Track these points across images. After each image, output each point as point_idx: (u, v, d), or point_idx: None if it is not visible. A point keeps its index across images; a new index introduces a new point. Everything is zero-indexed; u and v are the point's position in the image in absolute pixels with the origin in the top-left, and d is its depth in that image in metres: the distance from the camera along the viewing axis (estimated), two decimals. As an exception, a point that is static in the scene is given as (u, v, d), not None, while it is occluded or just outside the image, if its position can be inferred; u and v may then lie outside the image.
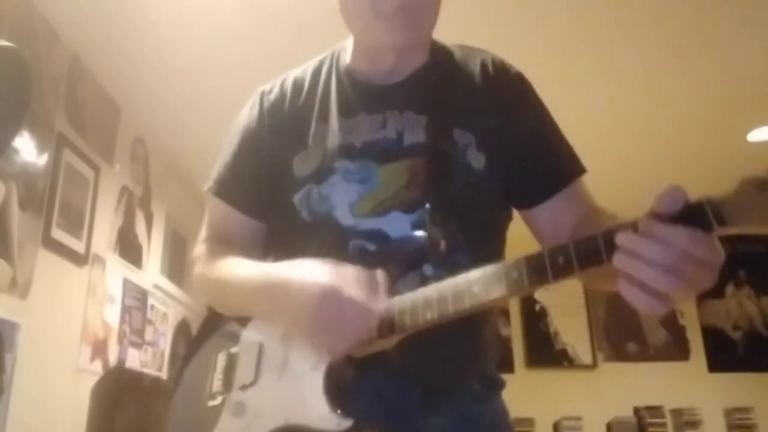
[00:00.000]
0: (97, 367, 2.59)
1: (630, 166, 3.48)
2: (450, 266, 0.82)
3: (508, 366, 4.11)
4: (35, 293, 2.15)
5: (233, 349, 0.96)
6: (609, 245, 0.67)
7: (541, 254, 0.72)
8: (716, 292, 4.61)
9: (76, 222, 2.48)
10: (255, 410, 0.89)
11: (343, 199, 0.94)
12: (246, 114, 1.09)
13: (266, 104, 1.07)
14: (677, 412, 4.13)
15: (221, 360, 0.97)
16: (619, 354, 4.46)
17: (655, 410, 4.13)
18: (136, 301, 3.03)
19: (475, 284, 0.76)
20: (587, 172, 1.01)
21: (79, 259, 2.50)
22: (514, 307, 4.53)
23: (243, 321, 0.98)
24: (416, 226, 0.91)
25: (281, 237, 1.02)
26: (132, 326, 2.96)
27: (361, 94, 1.02)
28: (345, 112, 1.01)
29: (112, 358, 2.74)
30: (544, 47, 2.62)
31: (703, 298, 4.58)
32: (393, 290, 0.85)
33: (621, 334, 4.51)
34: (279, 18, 2.37)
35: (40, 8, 2.25)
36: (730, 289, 4.63)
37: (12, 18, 2.10)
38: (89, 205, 2.59)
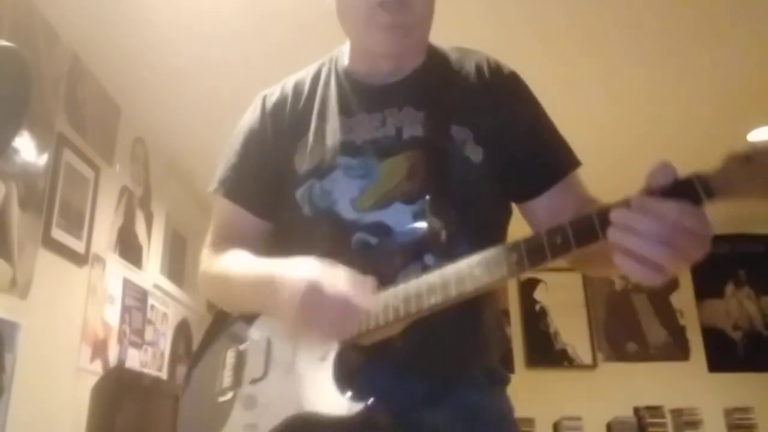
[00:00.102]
0: (97, 367, 2.59)
1: (630, 166, 3.45)
2: (451, 257, 0.83)
3: (508, 366, 4.09)
4: (35, 293, 2.15)
5: (241, 347, 0.99)
6: (604, 223, 0.69)
7: (539, 235, 0.75)
8: (716, 292, 4.61)
9: (76, 222, 2.48)
10: (266, 402, 0.91)
11: (344, 194, 0.96)
12: (248, 117, 1.12)
13: (268, 106, 1.09)
14: (677, 412, 4.13)
15: (230, 357, 0.99)
16: (619, 354, 4.46)
17: (655, 410, 4.13)
18: (136, 301, 3.03)
19: (476, 267, 0.78)
20: (582, 165, 1.03)
21: (79, 259, 2.50)
22: (514, 307, 4.53)
23: (249, 320, 1.00)
24: (417, 216, 0.93)
25: (285, 232, 1.04)
26: (132, 326, 2.96)
27: (361, 94, 1.05)
28: (345, 111, 1.04)
29: (112, 358, 2.74)
30: (544, 48, 2.62)
31: (703, 298, 4.58)
32: (395, 282, 0.86)
33: (621, 334, 4.51)
34: (279, 18, 2.37)
35: (40, 8, 2.25)
36: (730, 289, 4.63)
37: (12, 18, 2.10)
38: (89, 205, 2.59)
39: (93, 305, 2.58)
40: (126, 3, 2.31)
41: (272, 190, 1.04)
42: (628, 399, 4.18)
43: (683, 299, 4.59)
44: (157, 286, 3.30)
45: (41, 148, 2.25)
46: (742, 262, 4.65)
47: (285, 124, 1.06)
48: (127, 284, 2.94)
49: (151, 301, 3.21)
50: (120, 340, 2.83)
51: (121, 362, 2.82)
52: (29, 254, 2.15)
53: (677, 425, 4.12)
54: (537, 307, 4.54)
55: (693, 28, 2.53)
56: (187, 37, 2.50)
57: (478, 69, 1.06)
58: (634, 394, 4.20)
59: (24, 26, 2.17)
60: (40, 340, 2.18)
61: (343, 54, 1.11)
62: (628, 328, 4.53)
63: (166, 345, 3.41)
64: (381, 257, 0.90)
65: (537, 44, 2.58)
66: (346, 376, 0.86)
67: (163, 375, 3.34)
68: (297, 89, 1.09)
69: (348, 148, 1.00)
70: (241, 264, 1.00)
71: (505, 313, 4.38)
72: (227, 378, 0.98)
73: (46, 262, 2.25)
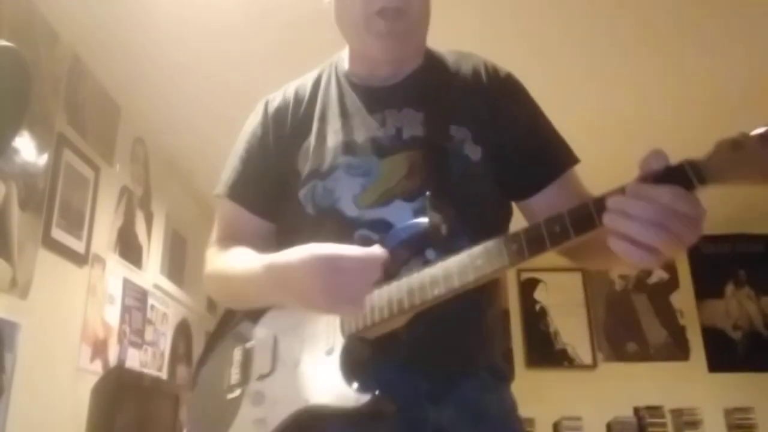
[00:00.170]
0: (97, 367, 2.59)
1: (629, 168, 3.47)
2: (452, 251, 0.85)
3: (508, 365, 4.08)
4: (35, 293, 2.15)
5: (248, 345, 1.01)
6: (600, 211, 0.71)
7: (538, 225, 0.77)
8: (716, 292, 4.61)
9: (76, 222, 2.48)
10: (274, 398, 0.92)
11: (347, 192, 0.98)
12: (251, 121, 1.15)
13: (270, 110, 1.12)
14: (677, 412, 4.13)
15: (237, 355, 1.01)
16: (619, 354, 4.46)
17: (655, 410, 4.13)
18: (136, 301, 3.03)
19: (478, 258, 0.81)
20: (580, 162, 1.05)
21: (79, 259, 2.50)
22: (514, 307, 4.54)
23: (255, 319, 1.02)
24: (418, 213, 0.94)
25: (288, 232, 1.06)
26: (132, 326, 2.96)
27: (361, 96, 1.07)
28: (346, 112, 1.06)
29: (112, 358, 2.74)
30: (535, 49, 2.62)
31: (703, 298, 4.58)
32: (397, 277, 0.88)
33: (621, 334, 4.51)
34: (280, 18, 2.37)
35: (40, 8, 2.25)
36: (730, 289, 4.63)
37: (12, 18, 2.10)
38: (89, 205, 2.59)
39: (93, 305, 2.58)
40: (126, 3, 2.31)
41: (276, 192, 1.06)
42: (628, 399, 4.18)
43: (683, 299, 4.59)
44: (157, 286, 3.30)
45: (41, 148, 2.25)
46: (742, 262, 4.66)
47: (287, 127, 1.09)
48: (127, 284, 2.94)
49: (151, 301, 3.21)
50: (120, 340, 2.83)
51: (121, 362, 2.82)
52: (29, 254, 2.15)
53: (677, 425, 4.12)
54: (537, 307, 4.55)
55: (694, 29, 2.53)
56: (188, 36, 2.50)
57: (476, 71, 1.08)
58: (634, 394, 4.20)
59: (24, 26, 2.17)
60: (40, 340, 2.18)
61: (343, 59, 1.14)
62: (628, 328, 4.53)
63: (166, 345, 3.41)
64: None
65: (528, 46, 2.59)
66: (353, 369, 0.87)
67: (163, 375, 3.34)
68: (298, 94, 1.12)
69: (349, 147, 1.02)
70: (245, 260, 1.01)
71: (505, 313, 4.38)
72: (235, 375, 0.99)
73: (46, 262, 2.25)
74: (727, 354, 4.46)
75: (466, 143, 1.00)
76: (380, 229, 0.94)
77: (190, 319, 3.81)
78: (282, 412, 0.90)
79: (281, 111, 1.11)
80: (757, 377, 4.27)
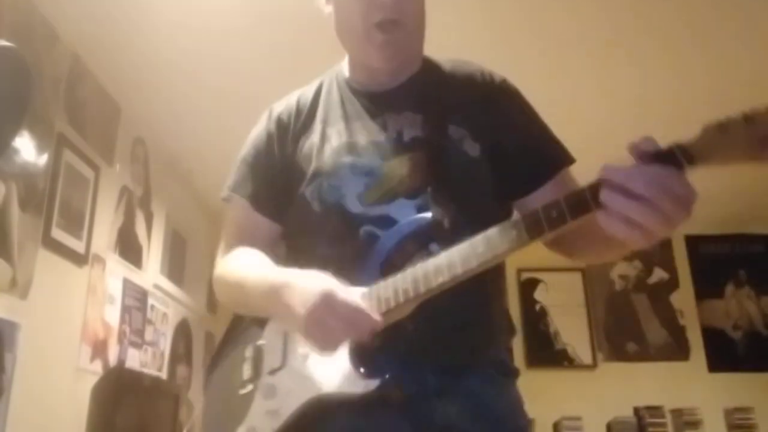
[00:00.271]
0: (97, 367, 2.59)
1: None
2: (455, 245, 0.88)
3: (508, 366, 4.08)
4: (35, 293, 2.15)
5: (259, 342, 1.05)
6: (595, 195, 0.75)
7: (536, 211, 0.81)
8: (716, 292, 4.61)
9: (76, 222, 2.48)
10: (286, 390, 0.96)
11: (351, 190, 1.02)
12: (256, 129, 1.20)
13: (274, 117, 1.17)
14: (677, 412, 4.13)
15: (248, 352, 1.06)
16: (619, 354, 4.46)
17: (655, 410, 4.13)
18: (136, 301, 3.03)
19: (479, 245, 0.84)
20: (577, 163, 1.08)
21: (79, 259, 2.50)
22: (514, 307, 4.53)
23: (264, 320, 1.06)
24: (421, 209, 0.98)
25: (296, 230, 1.10)
26: (132, 326, 2.96)
27: (362, 101, 1.12)
28: (348, 116, 1.11)
29: (112, 358, 2.74)
30: (538, 49, 2.62)
31: (703, 298, 4.58)
32: (403, 270, 0.92)
33: (621, 334, 4.51)
34: (280, 18, 2.37)
35: (40, 8, 2.25)
36: (730, 289, 4.62)
37: (12, 18, 2.10)
38: (89, 205, 2.59)
39: (93, 305, 2.58)
40: (126, 3, 2.31)
41: (283, 194, 1.10)
42: (628, 399, 4.17)
43: (683, 299, 4.59)
44: (157, 286, 3.30)
45: (41, 148, 2.25)
46: (742, 262, 4.65)
47: (291, 132, 1.13)
48: (127, 284, 2.94)
49: (151, 301, 3.21)
50: (120, 340, 2.83)
51: (121, 362, 2.82)
52: (29, 254, 2.15)
53: (677, 425, 4.12)
54: (537, 307, 4.54)
55: (693, 29, 2.53)
56: (188, 36, 2.50)
57: (472, 75, 1.13)
58: (634, 394, 4.20)
59: (24, 26, 2.17)
60: (40, 340, 2.18)
61: (343, 68, 1.19)
62: (628, 328, 4.53)
63: (166, 345, 3.41)
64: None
65: (532, 46, 2.59)
66: (362, 358, 0.90)
67: (163, 375, 3.34)
68: (300, 101, 1.17)
69: (353, 148, 1.06)
70: (255, 270, 1.04)
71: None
72: (246, 371, 1.04)
73: (46, 262, 2.25)
74: (727, 354, 4.46)
75: (465, 141, 1.04)
76: (384, 225, 0.97)
77: (190, 319, 3.81)
78: (294, 403, 0.93)
79: (285, 117, 1.15)
80: (757, 377, 4.27)
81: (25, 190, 2.13)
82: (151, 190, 3.29)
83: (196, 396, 3.77)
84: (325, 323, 0.86)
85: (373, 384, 0.87)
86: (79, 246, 2.49)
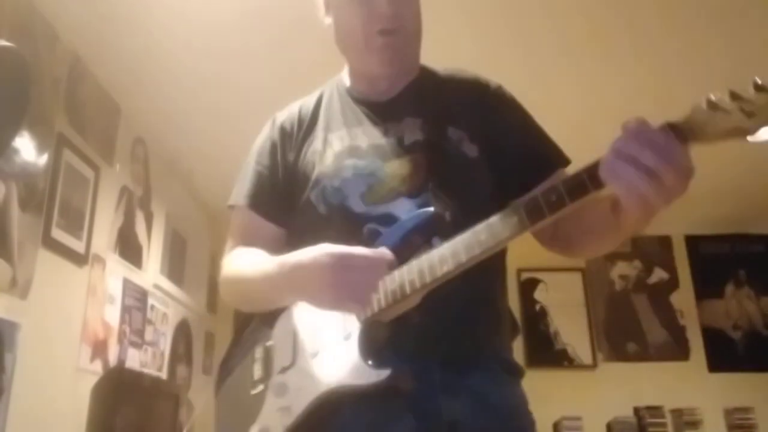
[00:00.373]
0: (97, 367, 2.59)
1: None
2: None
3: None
4: (35, 293, 2.15)
5: (268, 343, 1.07)
6: (592, 177, 0.79)
7: (535, 196, 0.84)
8: (716, 292, 4.61)
9: (76, 222, 2.48)
10: (297, 386, 0.98)
11: (354, 191, 1.05)
12: (260, 138, 1.23)
13: (277, 125, 1.20)
14: (677, 412, 4.13)
15: (258, 353, 1.08)
16: (619, 354, 4.46)
17: (655, 410, 4.12)
18: (136, 301, 3.03)
19: (482, 233, 0.87)
20: (572, 163, 1.09)
21: (79, 259, 2.50)
22: (514, 307, 4.51)
23: (272, 321, 1.08)
24: (422, 207, 1.00)
25: (301, 233, 1.11)
26: (132, 326, 2.96)
27: (363, 110, 1.15)
28: (349, 123, 1.14)
29: (112, 358, 2.74)
30: (524, 52, 2.62)
31: (703, 298, 4.58)
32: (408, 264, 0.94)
33: (621, 334, 4.51)
34: (280, 17, 2.37)
35: (40, 8, 2.25)
36: (730, 289, 4.62)
37: (12, 18, 2.10)
38: (89, 205, 2.59)
39: (93, 305, 2.58)
40: (126, 3, 2.31)
41: (287, 199, 1.13)
42: (628, 399, 4.17)
43: (683, 299, 4.58)
44: (157, 286, 3.30)
45: (41, 148, 2.25)
46: (742, 262, 4.65)
47: (294, 139, 1.17)
48: (127, 284, 2.94)
49: (151, 301, 3.21)
50: (120, 340, 2.83)
51: (121, 362, 2.82)
52: (29, 254, 2.15)
53: (677, 425, 4.12)
54: (537, 307, 4.54)
55: (693, 29, 2.53)
56: (188, 36, 2.50)
57: (468, 81, 1.18)
58: (634, 394, 4.19)
59: (24, 26, 2.17)
60: (40, 340, 2.18)
61: (343, 78, 1.23)
62: (628, 328, 4.53)
63: (166, 345, 3.41)
64: None
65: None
66: (371, 350, 0.92)
67: (163, 375, 3.34)
68: (303, 110, 1.20)
69: (355, 151, 1.09)
70: (259, 261, 1.06)
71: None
72: (257, 371, 1.06)
73: (46, 262, 2.25)
74: (727, 354, 4.46)
75: (464, 142, 1.07)
76: (387, 223, 1.00)
77: (190, 319, 3.81)
78: (305, 399, 0.95)
79: (287, 125, 1.19)
80: (757, 377, 4.27)
81: (25, 190, 2.13)
82: (151, 190, 3.30)
83: (196, 396, 3.77)
84: (350, 284, 0.89)
85: (384, 373, 0.89)
86: (79, 246, 2.49)
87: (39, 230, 2.22)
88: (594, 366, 4.41)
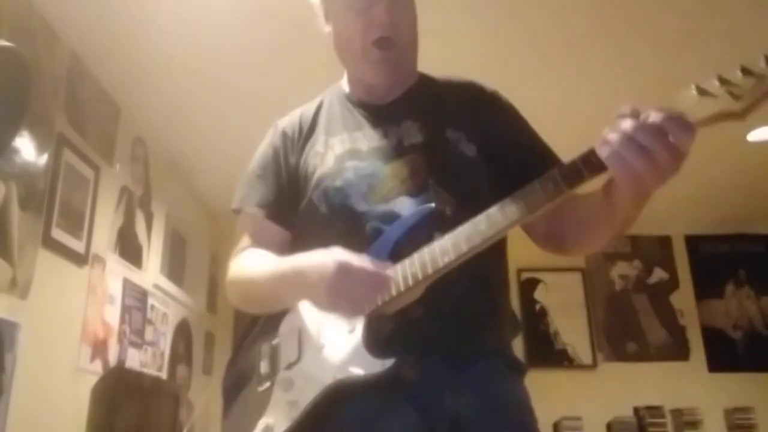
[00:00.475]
0: (97, 367, 2.59)
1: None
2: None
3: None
4: (35, 293, 2.15)
5: (274, 341, 1.09)
6: (587, 164, 0.82)
7: (533, 185, 0.87)
8: (716, 292, 4.61)
9: (76, 222, 2.48)
10: (303, 381, 1.00)
11: (356, 191, 1.07)
12: (263, 144, 1.26)
13: (279, 131, 1.23)
14: (677, 412, 4.13)
15: (265, 351, 1.10)
16: (619, 354, 4.46)
17: (655, 410, 4.13)
18: (136, 301, 3.03)
19: (481, 223, 0.90)
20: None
21: (79, 259, 2.50)
22: (515, 307, 4.46)
23: (276, 322, 1.11)
24: (423, 204, 1.03)
25: (304, 234, 1.14)
26: (132, 326, 2.96)
27: (362, 114, 1.18)
28: (349, 127, 1.17)
29: (112, 358, 2.74)
30: (530, 53, 2.62)
31: (703, 298, 4.58)
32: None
33: (621, 334, 4.51)
34: (280, 18, 2.37)
35: (40, 8, 2.25)
36: (730, 289, 4.63)
37: (12, 18, 2.10)
38: (89, 205, 2.59)
39: (93, 305, 2.58)
40: (126, 3, 2.31)
41: (290, 201, 1.16)
42: (628, 399, 4.18)
43: (683, 299, 4.59)
44: (157, 286, 3.30)
45: (41, 148, 2.25)
46: (742, 262, 4.65)
47: (296, 143, 1.20)
48: (127, 284, 2.94)
49: (151, 301, 3.21)
50: (120, 340, 2.83)
51: (121, 362, 2.82)
52: (29, 254, 2.15)
53: (677, 425, 4.12)
54: (537, 307, 4.54)
55: (692, 28, 2.53)
56: (188, 37, 2.50)
57: (465, 86, 1.21)
58: (634, 394, 4.20)
59: (24, 26, 2.17)
60: (40, 340, 2.18)
61: (342, 85, 1.26)
62: (628, 328, 4.53)
63: (166, 345, 3.41)
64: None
65: (524, 50, 2.60)
66: (375, 342, 0.95)
67: (163, 375, 3.34)
68: (303, 116, 1.23)
69: (356, 153, 1.12)
70: (266, 261, 1.09)
71: (505, 313, 4.38)
72: (264, 369, 1.08)
73: (46, 262, 2.25)
74: (727, 354, 4.46)
75: (462, 142, 1.11)
76: (389, 221, 1.02)
77: (190, 319, 3.81)
78: (312, 392, 0.97)
79: (289, 131, 1.22)
80: (757, 377, 4.27)
81: (25, 190, 2.13)
82: (151, 190, 3.30)
83: (196, 396, 3.77)
84: (347, 291, 0.92)
85: (388, 362, 0.91)
86: (79, 246, 2.49)
87: (39, 230, 2.22)
88: (594, 366, 4.42)
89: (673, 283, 4.63)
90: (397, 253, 0.97)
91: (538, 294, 4.56)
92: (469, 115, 1.15)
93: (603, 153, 0.80)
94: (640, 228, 4.50)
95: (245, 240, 1.20)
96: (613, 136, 0.79)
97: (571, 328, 4.49)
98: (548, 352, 4.43)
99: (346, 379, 0.94)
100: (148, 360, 3.13)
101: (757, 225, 4.60)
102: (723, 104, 0.75)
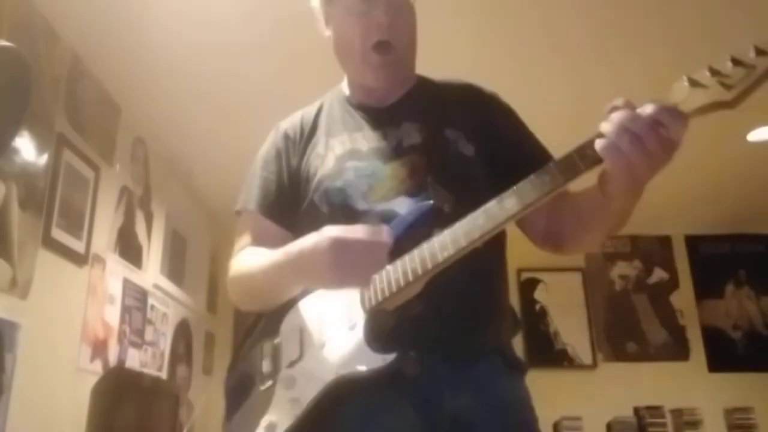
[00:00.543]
0: (97, 367, 2.59)
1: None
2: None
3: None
4: (35, 293, 2.15)
5: (276, 340, 1.10)
6: (582, 157, 0.83)
7: (530, 179, 0.88)
8: (716, 292, 4.61)
9: (76, 222, 2.48)
10: (305, 378, 1.01)
11: (356, 191, 1.09)
12: (265, 145, 1.27)
13: (280, 132, 1.25)
14: (677, 412, 4.13)
15: (267, 350, 1.11)
16: (619, 354, 4.46)
17: (655, 410, 4.13)
18: (136, 301, 3.03)
19: (479, 218, 0.91)
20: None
21: (79, 259, 2.50)
22: (514, 307, 4.53)
23: (277, 321, 1.11)
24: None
25: (306, 233, 1.14)
26: (132, 326, 2.96)
27: (362, 116, 1.20)
28: (349, 128, 1.19)
29: (112, 358, 2.74)
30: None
31: (703, 298, 4.58)
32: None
33: (621, 334, 4.51)
34: (280, 19, 2.37)
35: (40, 8, 2.25)
36: (730, 289, 4.63)
37: (12, 18, 2.10)
38: (89, 205, 2.59)
39: (93, 305, 2.58)
40: (126, 3, 2.31)
41: (292, 202, 1.18)
42: (628, 399, 4.18)
43: (683, 299, 4.59)
44: (157, 286, 3.30)
45: (41, 148, 2.25)
46: (742, 262, 4.66)
47: (297, 145, 1.22)
48: (127, 284, 2.94)
49: (151, 301, 3.21)
50: (120, 340, 2.83)
51: (121, 362, 2.82)
52: (29, 254, 2.15)
53: (677, 425, 4.12)
54: (537, 307, 4.54)
55: (692, 28, 2.53)
56: (188, 37, 2.50)
57: (464, 88, 1.24)
58: (634, 394, 4.20)
59: (24, 26, 2.17)
60: (40, 340, 2.18)
61: (342, 88, 1.28)
62: (628, 328, 4.53)
63: (166, 345, 3.41)
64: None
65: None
66: (376, 337, 0.95)
67: (163, 375, 3.34)
68: (304, 118, 1.25)
69: (356, 154, 1.14)
70: (265, 253, 1.10)
71: (505, 313, 4.38)
72: (266, 368, 1.09)
73: (46, 262, 2.25)
74: (727, 354, 4.46)
75: (460, 142, 1.12)
76: (389, 220, 1.03)
77: (190, 319, 3.81)
78: (314, 388, 0.97)
79: (290, 132, 1.23)
80: (757, 377, 4.27)
81: (25, 190, 2.13)
82: (151, 190, 3.30)
83: (196, 396, 3.77)
84: (349, 263, 0.93)
85: (389, 357, 0.91)
86: (79, 246, 2.49)
87: (39, 230, 2.22)
88: (594, 366, 4.42)
89: (673, 283, 4.63)
90: (397, 251, 0.98)
91: (538, 294, 4.56)
92: (468, 115, 1.16)
93: (597, 144, 0.81)
94: (640, 228, 4.52)
95: (246, 239, 1.21)
96: (606, 127, 0.81)
97: (571, 328, 4.49)
98: (548, 352, 4.43)
99: (347, 375, 0.95)
100: (148, 360, 3.13)
101: (757, 225, 4.60)
102: (714, 94, 0.77)
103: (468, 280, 0.99)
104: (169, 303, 3.49)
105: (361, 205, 1.07)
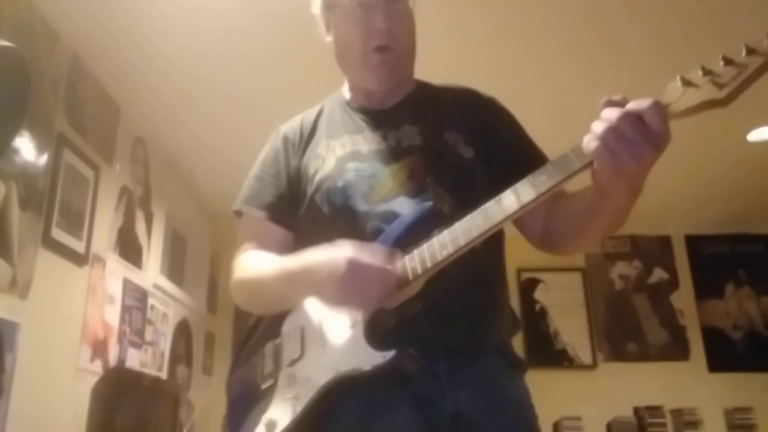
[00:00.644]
0: (97, 367, 2.59)
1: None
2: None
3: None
4: (35, 293, 2.15)
5: (277, 341, 1.11)
6: (578, 156, 0.85)
7: (527, 179, 0.90)
8: (716, 292, 4.61)
9: (76, 222, 2.48)
10: (305, 377, 1.02)
11: (357, 191, 1.10)
12: (266, 147, 1.29)
13: (281, 135, 1.26)
14: (677, 412, 4.13)
15: (268, 350, 1.12)
16: (619, 354, 4.46)
17: (655, 410, 4.12)
18: (136, 301, 3.03)
19: (477, 217, 0.93)
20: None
21: (79, 259, 2.50)
22: (515, 307, 4.51)
23: (279, 322, 1.12)
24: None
25: (307, 233, 1.16)
26: (132, 326, 2.96)
27: (363, 118, 1.22)
28: (350, 130, 1.20)
29: (112, 358, 2.74)
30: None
31: (703, 298, 4.58)
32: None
33: (621, 334, 4.51)
34: (279, 20, 2.37)
35: (40, 8, 2.25)
36: (730, 289, 4.62)
37: (12, 18, 2.10)
38: (89, 205, 2.59)
39: (93, 305, 2.58)
40: (126, 3, 2.31)
41: (292, 202, 1.19)
42: (628, 399, 4.17)
43: (683, 299, 4.59)
44: (157, 286, 3.30)
45: (41, 148, 2.25)
46: (742, 262, 4.65)
47: (297, 147, 1.23)
48: (127, 284, 2.94)
49: (151, 301, 3.21)
50: (120, 340, 2.83)
51: (121, 362, 2.82)
52: (29, 254, 2.15)
53: (677, 425, 4.12)
54: (537, 307, 4.54)
55: (691, 27, 2.53)
56: (188, 37, 2.50)
57: (462, 92, 1.25)
58: (634, 394, 4.19)
59: (24, 26, 2.17)
60: (40, 340, 2.18)
61: (343, 92, 1.30)
62: (628, 328, 4.53)
63: (166, 345, 3.41)
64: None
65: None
66: (376, 335, 0.96)
67: (163, 375, 3.34)
68: (305, 121, 1.27)
69: (356, 155, 1.15)
70: (271, 263, 1.12)
71: (505, 313, 4.38)
72: (268, 367, 1.10)
73: (46, 262, 2.25)
74: (727, 354, 4.46)
75: (459, 145, 1.14)
76: (390, 220, 1.05)
77: (190, 319, 3.81)
78: (314, 387, 0.99)
79: (291, 135, 1.25)
80: (757, 377, 4.27)
81: (25, 190, 2.13)
82: (151, 190, 3.30)
83: (196, 396, 3.77)
84: (357, 288, 0.94)
85: (389, 354, 0.92)
86: (79, 246, 2.49)
87: (39, 230, 2.22)
88: (594, 366, 4.42)
89: (673, 283, 4.63)
90: (397, 251, 0.99)
91: (538, 294, 4.56)
92: (467, 118, 1.18)
93: (587, 142, 0.83)
94: (640, 228, 4.52)
95: (248, 241, 1.22)
96: (595, 125, 0.83)
97: (571, 328, 4.49)
98: (548, 352, 4.43)
99: (348, 372, 0.96)
100: (148, 360, 3.13)
101: (757, 225, 4.60)
102: (706, 93, 0.78)
103: (467, 279, 1.01)
104: (169, 303, 3.49)
105: (362, 205, 1.08)
